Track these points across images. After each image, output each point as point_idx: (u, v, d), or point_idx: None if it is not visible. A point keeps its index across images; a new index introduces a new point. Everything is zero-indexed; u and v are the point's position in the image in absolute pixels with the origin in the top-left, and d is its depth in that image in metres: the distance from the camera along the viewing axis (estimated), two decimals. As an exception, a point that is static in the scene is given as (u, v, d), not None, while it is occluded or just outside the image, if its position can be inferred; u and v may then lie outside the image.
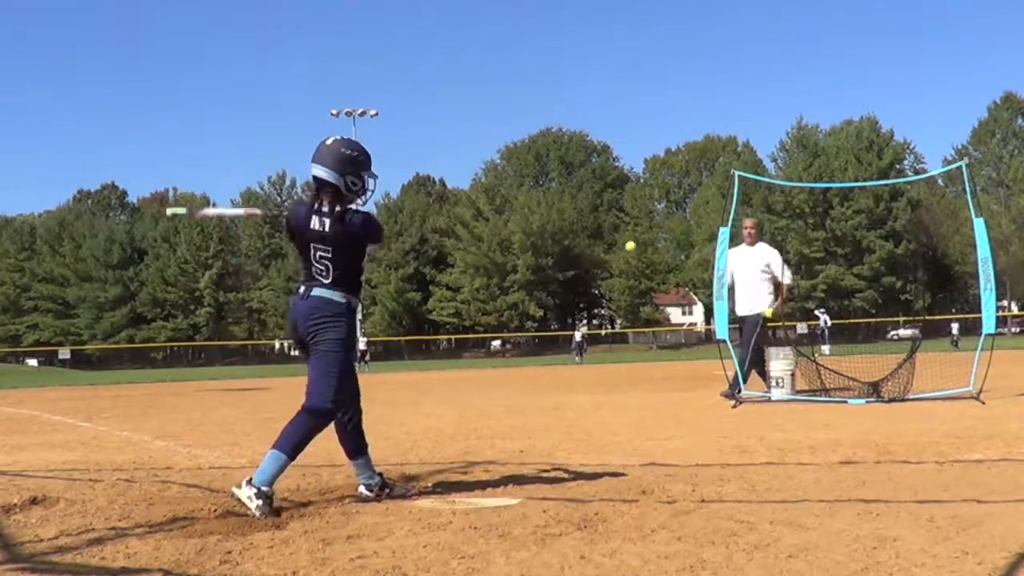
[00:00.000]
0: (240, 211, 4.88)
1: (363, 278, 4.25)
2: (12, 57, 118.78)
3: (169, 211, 5.04)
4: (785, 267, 10.57)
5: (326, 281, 4.04)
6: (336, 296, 4.03)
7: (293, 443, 3.93)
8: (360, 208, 4.11)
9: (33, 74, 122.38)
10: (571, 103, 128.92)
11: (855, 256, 65.13)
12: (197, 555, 3.16)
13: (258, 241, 74.84)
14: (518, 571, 2.85)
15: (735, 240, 10.31)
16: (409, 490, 4.29)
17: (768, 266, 10.30)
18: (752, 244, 10.47)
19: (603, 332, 76.18)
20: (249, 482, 3.83)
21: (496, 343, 73.50)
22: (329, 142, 4.07)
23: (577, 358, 39.54)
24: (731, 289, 10.28)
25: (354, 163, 4.04)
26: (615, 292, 72.25)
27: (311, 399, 4.02)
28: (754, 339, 10.04)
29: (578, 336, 44.11)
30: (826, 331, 36.72)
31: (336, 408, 4.03)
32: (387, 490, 4.21)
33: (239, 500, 3.83)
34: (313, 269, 4.04)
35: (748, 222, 10.64)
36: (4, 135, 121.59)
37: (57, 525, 3.76)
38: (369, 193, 4.13)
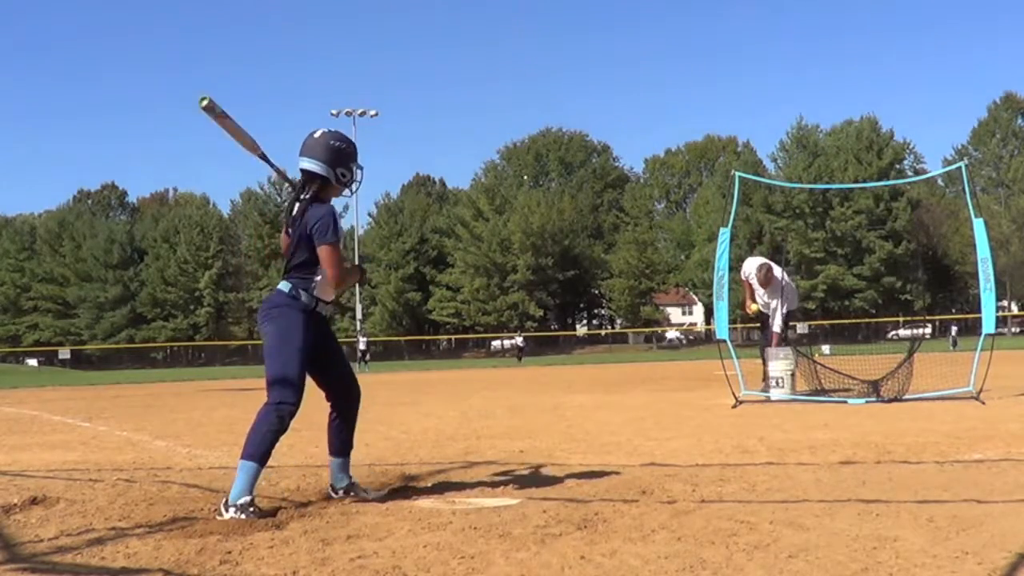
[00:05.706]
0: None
1: (320, 276, 3.94)
2: (12, 56, 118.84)
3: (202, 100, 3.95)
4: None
5: (286, 272, 4.01)
6: (284, 287, 3.96)
7: (257, 447, 3.80)
8: (329, 202, 3.99)
9: (33, 73, 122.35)
10: (571, 103, 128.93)
11: (855, 256, 65.08)
12: (197, 555, 3.16)
13: (258, 241, 74.72)
14: (518, 571, 2.85)
15: (735, 240, 10.40)
16: (369, 494, 4.17)
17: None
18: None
19: (603, 332, 76.11)
20: (226, 504, 3.74)
21: (496, 343, 73.50)
22: (317, 135, 4.00)
23: (518, 360, 41.64)
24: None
25: (343, 154, 3.99)
26: (615, 292, 72.23)
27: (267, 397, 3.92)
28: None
29: (519, 340, 48.66)
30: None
31: (282, 405, 3.82)
32: (351, 494, 4.15)
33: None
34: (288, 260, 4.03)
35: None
36: (4, 134, 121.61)
37: (57, 525, 3.75)
38: (356, 184, 4.07)
